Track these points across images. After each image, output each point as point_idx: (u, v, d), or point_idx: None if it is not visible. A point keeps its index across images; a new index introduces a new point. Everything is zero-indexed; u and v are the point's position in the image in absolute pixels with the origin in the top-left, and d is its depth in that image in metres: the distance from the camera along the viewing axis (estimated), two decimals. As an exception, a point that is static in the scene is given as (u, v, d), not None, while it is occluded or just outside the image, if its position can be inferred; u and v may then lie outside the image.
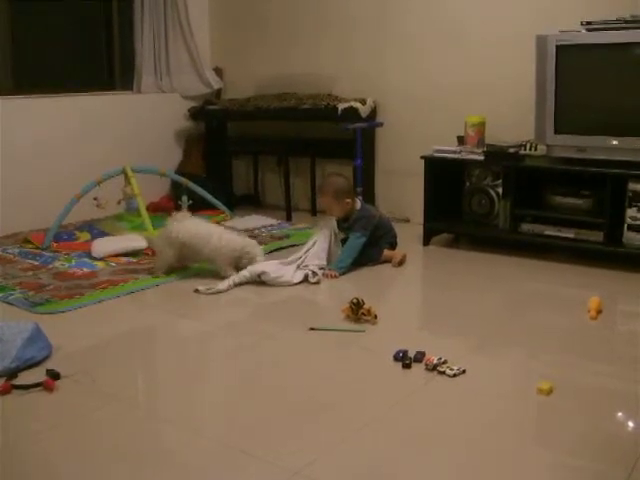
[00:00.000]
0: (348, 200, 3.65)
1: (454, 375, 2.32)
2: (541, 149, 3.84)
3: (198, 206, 4.45)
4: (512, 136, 3.97)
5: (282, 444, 1.93)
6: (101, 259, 3.77)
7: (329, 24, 4.90)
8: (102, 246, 3.88)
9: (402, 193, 4.70)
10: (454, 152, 3.99)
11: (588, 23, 3.52)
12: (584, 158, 3.57)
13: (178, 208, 4.24)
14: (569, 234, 3.63)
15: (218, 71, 5.45)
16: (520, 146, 3.89)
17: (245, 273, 3.36)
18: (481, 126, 4.02)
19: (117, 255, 3.82)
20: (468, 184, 4.06)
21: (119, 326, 2.93)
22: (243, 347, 2.69)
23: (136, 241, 3.90)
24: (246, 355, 2.62)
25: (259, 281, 3.35)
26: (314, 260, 3.48)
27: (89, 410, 2.15)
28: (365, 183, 4.54)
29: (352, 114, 4.52)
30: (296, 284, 3.36)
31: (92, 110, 4.81)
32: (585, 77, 3.58)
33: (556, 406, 2.15)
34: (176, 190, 4.84)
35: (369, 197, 4.61)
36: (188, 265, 3.59)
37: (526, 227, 3.78)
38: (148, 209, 4.27)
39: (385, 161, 4.79)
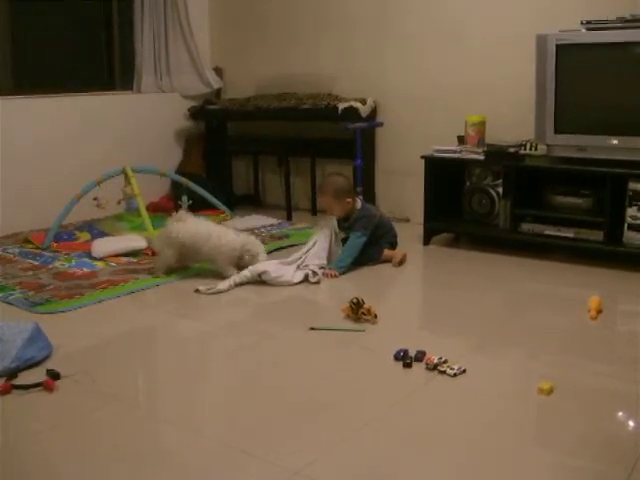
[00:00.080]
0: (348, 199, 3.65)
1: (454, 375, 2.32)
2: (541, 149, 3.83)
3: (198, 206, 4.44)
4: (512, 136, 3.97)
5: (282, 444, 1.93)
6: (101, 259, 3.77)
7: (329, 24, 4.90)
8: (102, 246, 3.88)
9: (402, 193, 4.70)
10: (454, 152, 3.99)
11: (588, 22, 3.52)
12: (584, 158, 3.57)
13: (178, 208, 4.22)
14: (569, 234, 3.63)
15: (218, 71, 5.45)
16: (520, 146, 3.89)
17: (246, 273, 3.36)
18: (481, 126, 4.02)
19: (117, 255, 3.82)
20: (468, 184, 4.06)
21: (119, 326, 2.93)
22: (243, 347, 2.69)
23: (136, 241, 3.90)
24: (246, 355, 2.62)
25: (260, 281, 3.36)
26: (314, 260, 3.48)
27: (89, 410, 2.15)
28: (365, 183, 4.54)
29: (352, 114, 4.52)
30: (296, 284, 3.36)
31: (92, 110, 4.81)
32: (585, 76, 3.58)
33: (556, 406, 2.14)
34: (176, 190, 4.84)
35: (369, 197, 4.61)
36: (189, 265, 3.59)
37: (526, 227, 3.78)
38: (148, 209, 4.27)
39: (385, 161, 4.79)
